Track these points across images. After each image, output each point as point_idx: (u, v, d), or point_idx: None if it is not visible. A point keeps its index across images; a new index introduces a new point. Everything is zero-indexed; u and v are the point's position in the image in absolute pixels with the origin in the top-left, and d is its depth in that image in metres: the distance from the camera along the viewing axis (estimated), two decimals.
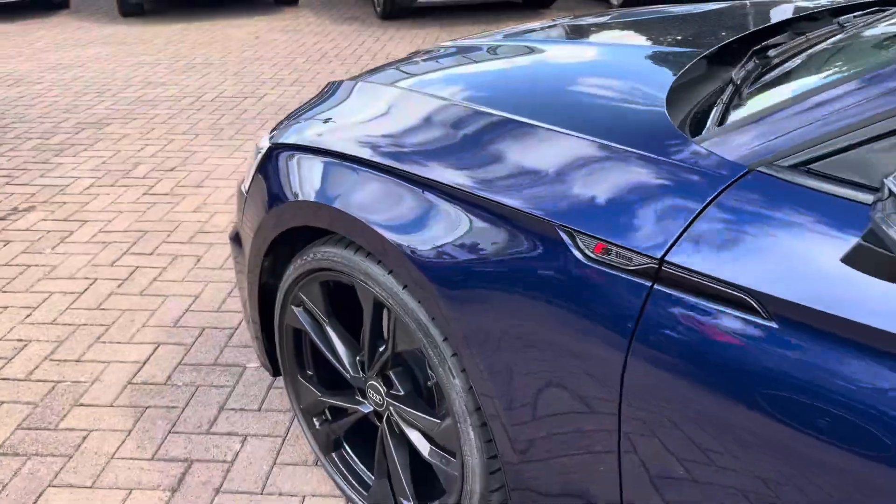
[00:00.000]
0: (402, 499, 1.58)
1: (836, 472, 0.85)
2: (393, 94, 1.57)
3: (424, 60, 1.85)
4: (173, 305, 2.60)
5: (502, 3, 8.64)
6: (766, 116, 1.00)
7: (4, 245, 3.07)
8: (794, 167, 0.93)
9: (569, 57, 1.69)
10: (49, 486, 1.83)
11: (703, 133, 1.07)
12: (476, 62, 1.75)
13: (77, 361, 2.31)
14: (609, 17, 2.19)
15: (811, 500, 0.88)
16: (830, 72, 1.25)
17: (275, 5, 8.79)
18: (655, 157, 1.05)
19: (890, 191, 0.73)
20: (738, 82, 1.26)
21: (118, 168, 3.88)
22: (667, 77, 1.37)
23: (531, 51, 1.74)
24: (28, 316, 2.56)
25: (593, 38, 1.89)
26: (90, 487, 1.82)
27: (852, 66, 1.27)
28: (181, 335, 2.43)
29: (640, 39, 1.81)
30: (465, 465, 1.37)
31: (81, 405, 2.11)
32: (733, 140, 1.00)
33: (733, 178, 0.96)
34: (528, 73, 1.61)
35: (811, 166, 0.92)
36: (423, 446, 1.48)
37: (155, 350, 2.35)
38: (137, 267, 2.87)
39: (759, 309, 0.89)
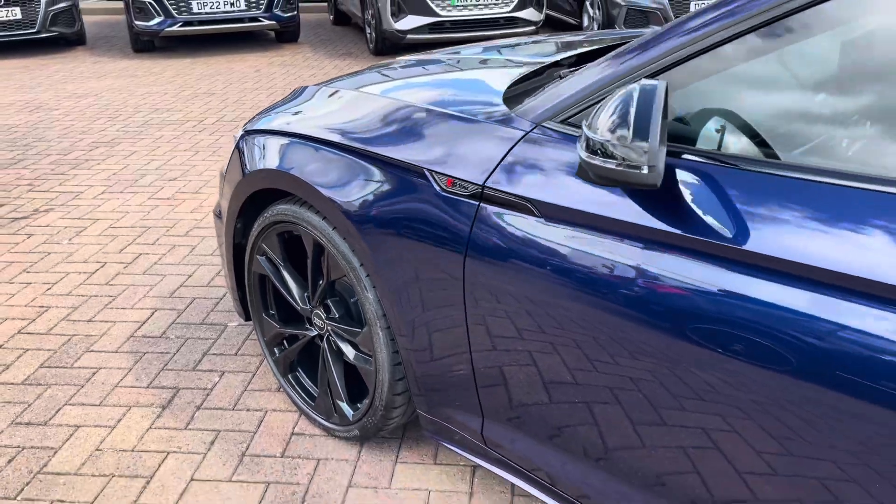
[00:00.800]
0: (338, 401, 2.05)
1: (593, 329, 1.33)
2: (336, 93, 2.08)
3: (367, 72, 2.37)
4: (170, 282, 3.09)
5: (482, 38, 9.25)
6: (550, 92, 1.50)
7: (28, 237, 3.58)
8: (561, 122, 1.43)
9: (466, 66, 2.20)
10: (65, 405, 2.30)
11: (518, 106, 1.57)
12: (401, 70, 2.26)
13: (89, 321, 2.80)
14: (533, 40, 2.70)
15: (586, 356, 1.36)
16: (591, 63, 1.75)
17: (276, 42, 9.42)
18: (486, 121, 1.55)
19: (584, 133, 1.22)
20: (558, 77, 1.76)
21: (127, 178, 4.41)
22: (517, 74, 1.89)
23: (445, 62, 2.26)
24: (48, 290, 3.05)
25: (495, 53, 2.40)
26: (98, 405, 2.29)
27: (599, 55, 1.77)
28: (175, 303, 2.92)
29: (529, 53, 2.32)
30: (377, 360, 1.84)
31: (92, 351, 2.59)
32: (532, 109, 1.50)
33: (527, 131, 1.46)
34: (432, 77, 2.12)
35: (569, 120, 1.42)
36: (351, 353, 1.96)
37: (153, 314, 2.84)
38: (141, 254, 3.37)
39: (534, 210, 1.38)
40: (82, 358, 2.55)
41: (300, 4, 12.12)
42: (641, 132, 1.12)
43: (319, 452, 2.07)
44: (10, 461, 2.06)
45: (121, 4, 11.62)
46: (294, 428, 2.17)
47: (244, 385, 2.38)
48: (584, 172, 1.25)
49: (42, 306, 2.92)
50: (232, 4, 8.46)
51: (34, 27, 8.82)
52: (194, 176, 4.42)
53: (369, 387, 1.93)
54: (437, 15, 7.82)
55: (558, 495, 1.57)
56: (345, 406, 2.03)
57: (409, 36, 7.89)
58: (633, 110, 1.13)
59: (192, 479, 1.98)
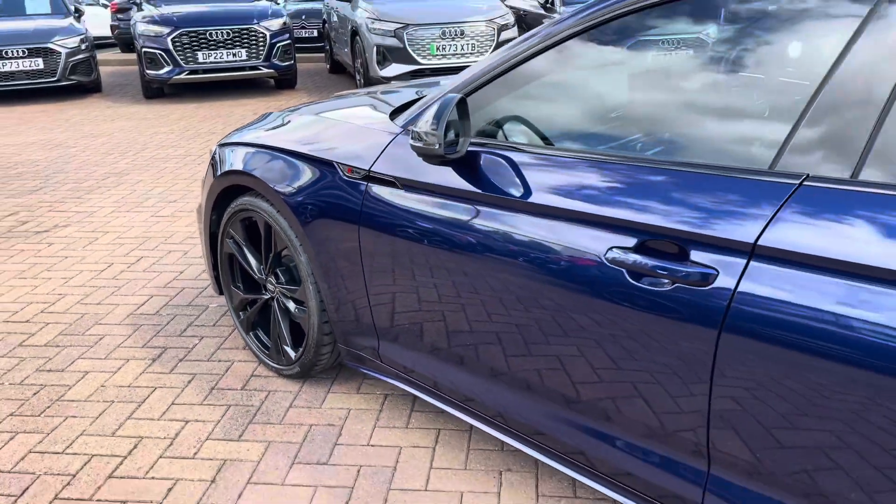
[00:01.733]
0: (284, 346, 2.70)
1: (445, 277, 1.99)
2: (287, 115, 2.78)
3: (316, 102, 3.07)
4: (165, 277, 3.77)
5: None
6: (413, 107, 2.18)
7: (49, 245, 4.27)
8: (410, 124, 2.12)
9: (385, 95, 2.88)
10: (78, 358, 2.96)
11: (397, 118, 2.25)
12: (337, 100, 2.96)
13: (98, 304, 3.46)
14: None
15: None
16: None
17: (275, 88, 10.24)
18: (375, 128, 2.24)
19: (411, 129, 1.89)
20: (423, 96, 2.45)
21: (133, 201, 5.12)
22: (405, 99, 2.58)
23: (370, 93, 2.96)
24: (65, 283, 3.73)
25: (414, 88, 3.09)
26: (103, 359, 2.95)
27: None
28: (168, 292, 3.59)
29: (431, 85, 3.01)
30: (308, 308, 2.50)
31: (99, 324, 3.26)
32: (402, 118, 2.18)
33: (397, 133, 2.14)
34: (354, 101, 2.80)
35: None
36: (293, 307, 2.62)
37: (150, 299, 3.51)
38: (142, 257, 4.05)
39: (397, 183, 2.06)
40: (92, 329, 3.22)
41: (302, 55, 13.03)
42: (437, 125, 1.80)
43: (270, 387, 2.71)
44: (35, 393, 2.71)
45: (134, 56, 12.56)
46: (253, 372, 2.82)
47: (218, 345, 3.03)
48: (417, 153, 1.93)
49: (60, 294, 3.59)
50: (234, 55, 9.30)
51: (55, 76, 9.69)
52: (192, 199, 5.13)
53: (305, 331, 2.58)
54: (418, 63, 8.62)
55: (441, 397, 2.20)
56: (289, 349, 2.69)
57: (393, 82, 8.68)
58: (433, 113, 1.82)
59: (172, 404, 2.62)
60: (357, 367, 2.49)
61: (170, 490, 2.17)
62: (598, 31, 1.79)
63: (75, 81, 9.87)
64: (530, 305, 1.76)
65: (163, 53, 9.11)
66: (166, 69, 9.21)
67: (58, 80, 9.72)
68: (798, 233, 1.33)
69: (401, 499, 2.11)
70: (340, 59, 10.81)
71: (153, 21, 9.30)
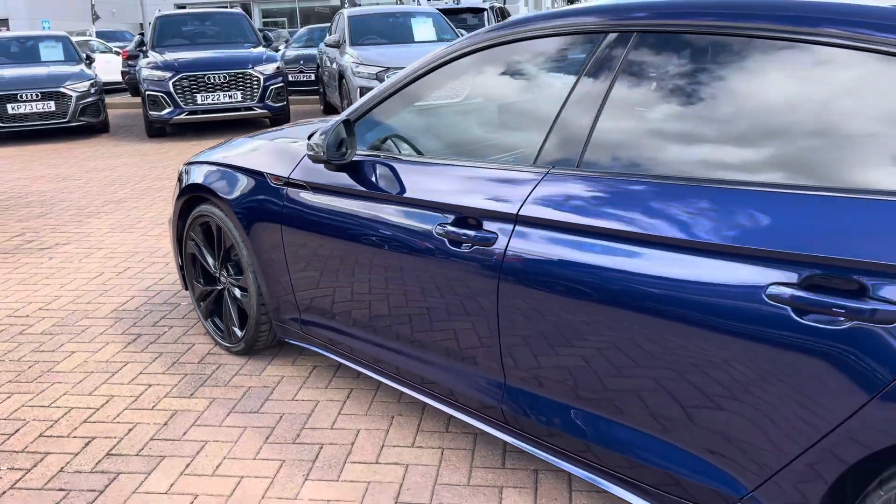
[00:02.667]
0: (233, 328, 3.29)
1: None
2: (242, 139, 3.41)
3: (273, 129, 3.70)
4: (147, 282, 4.38)
5: None
6: (321, 129, 2.81)
7: (50, 259, 4.91)
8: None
9: (318, 122, 3.51)
10: (67, 342, 3.56)
11: (309, 139, 2.87)
12: (288, 129, 3.58)
13: (87, 303, 4.08)
14: None
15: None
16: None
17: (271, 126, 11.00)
18: (296, 146, 2.86)
19: (307, 142, 2.51)
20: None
21: (127, 224, 5.77)
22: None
23: (322, 120, 3.59)
24: (62, 287, 4.35)
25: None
26: (88, 342, 3.55)
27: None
28: (148, 294, 4.20)
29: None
30: (250, 292, 3.10)
31: (87, 318, 3.87)
32: (311, 137, 2.80)
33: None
34: (293, 129, 3.43)
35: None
36: (238, 294, 3.23)
37: (131, 299, 4.12)
38: (129, 267, 4.68)
39: (307, 187, 2.67)
40: (80, 321, 3.83)
41: (300, 97, 13.84)
42: (324, 139, 2.43)
43: (222, 361, 3.30)
44: (29, 367, 3.30)
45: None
46: (209, 351, 3.41)
47: (184, 332, 3.63)
48: (312, 161, 2.56)
49: (56, 296, 4.21)
50: (230, 97, 10.06)
51: (66, 117, 10.48)
52: None
53: (248, 312, 3.18)
54: None
55: (355, 360, 2.77)
56: (237, 330, 3.28)
57: None
58: (323, 130, 2.44)
59: (140, 373, 3.21)
60: (289, 340, 3.08)
61: (130, 430, 2.75)
62: (441, 70, 2.42)
63: (85, 122, 10.64)
64: (400, 275, 2.36)
65: (164, 96, 9.88)
66: (167, 110, 9.96)
67: (68, 122, 10.50)
68: (544, 205, 1.93)
69: (311, 434, 2.68)
70: (331, 101, 11.56)
71: (156, 66, 10.09)
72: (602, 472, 1.96)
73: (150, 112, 10.06)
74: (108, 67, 18.11)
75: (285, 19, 41.53)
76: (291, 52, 15.28)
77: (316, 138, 2.51)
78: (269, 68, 10.30)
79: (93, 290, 4.28)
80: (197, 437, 2.69)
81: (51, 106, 10.39)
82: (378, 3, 35.99)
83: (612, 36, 1.97)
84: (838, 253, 1.43)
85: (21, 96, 10.25)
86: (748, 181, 1.63)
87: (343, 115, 2.63)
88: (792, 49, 1.65)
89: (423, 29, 10.71)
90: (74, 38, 20.26)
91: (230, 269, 3.27)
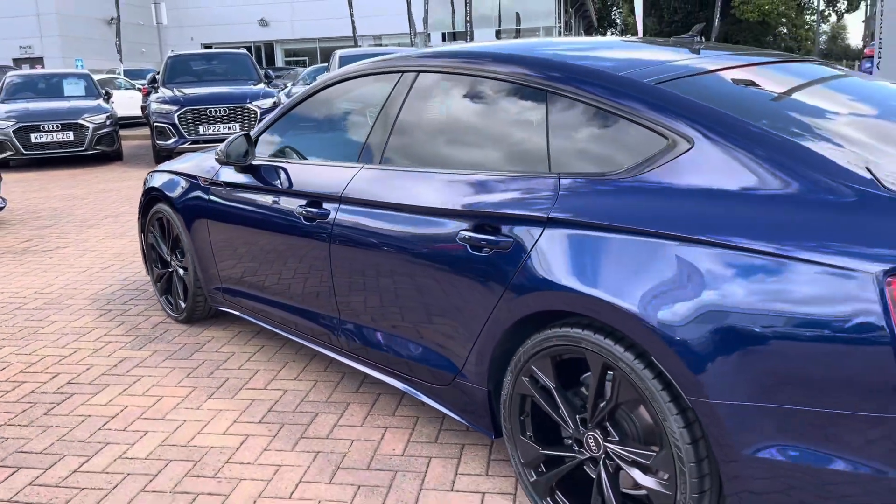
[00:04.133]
0: (179, 301, 4.18)
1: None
2: (193, 155, 4.32)
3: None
4: (125, 275, 5.30)
5: None
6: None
7: (51, 258, 5.86)
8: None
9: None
10: (52, 315, 4.46)
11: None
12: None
13: (74, 289, 4.99)
14: None
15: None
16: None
17: None
18: (217, 157, 3.76)
19: (217, 150, 3.42)
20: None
21: (120, 232, 6.73)
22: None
23: None
24: (56, 277, 5.28)
25: None
26: (74, 320, 4.45)
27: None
28: (124, 283, 5.11)
29: None
30: (189, 272, 3.99)
31: (71, 299, 4.77)
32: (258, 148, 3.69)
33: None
34: None
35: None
36: (182, 273, 4.12)
37: (110, 286, 5.03)
38: (113, 265, 5.60)
39: (222, 185, 3.57)
40: (66, 301, 4.74)
41: None
42: (227, 147, 3.33)
43: (169, 327, 4.18)
44: (20, 330, 4.20)
45: None
46: (162, 320, 4.29)
47: (146, 308, 4.52)
48: (220, 164, 3.46)
49: (50, 284, 5.14)
50: (229, 128, 11.10)
51: (83, 146, 11.58)
52: None
53: (189, 288, 4.06)
54: None
55: (269, 321, 3.62)
56: (181, 302, 4.16)
57: None
58: (227, 142, 3.35)
59: (104, 335, 4.10)
60: (216, 307, 3.96)
61: (87, 369, 3.63)
62: (318, 96, 3.31)
63: (100, 151, 11.74)
64: (278, 246, 3.23)
65: (170, 127, 10.94)
66: (173, 139, 11.01)
67: (85, 150, 11.60)
68: (356, 189, 2.79)
69: (221, 373, 3.54)
70: None
71: (164, 101, 11.18)
72: (391, 374, 2.80)
73: (158, 141, 11.12)
74: (131, 103, 19.39)
75: (307, 58, 43.23)
76: (298, 88, 16.40)
77: (222, 146, 3.42)
78: (266, 103, 11.34)
79: (80, 280, 5.21)
80: (136, 374, 3.56)
81: (70, 136, 11.51)
82: (381, 45, 37.50)
83: (406, 75, 2.86)
84: (490, 209, 2.29)
85: (43, 127, 11.38)
86: (466, 169, 2.49)
87: (245, 132, 3.52)
88: (493, 82, 2.53)
89: None
90: (103, 76, 21.68)
91: (178, 254, 4.16)
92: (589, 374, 2.09)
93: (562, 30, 45.15)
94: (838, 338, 1.61)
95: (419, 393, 2.71)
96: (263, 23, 43.21)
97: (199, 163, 3.91)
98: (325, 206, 2.93)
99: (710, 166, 1.92)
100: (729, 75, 2.32)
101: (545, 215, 2.15)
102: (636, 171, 2.05)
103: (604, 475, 2.09)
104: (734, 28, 39.29)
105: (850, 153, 1.85)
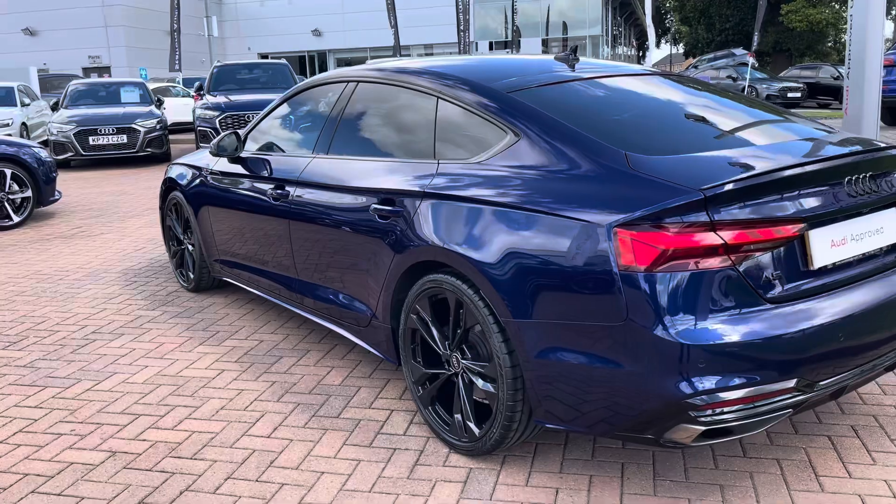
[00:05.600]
0: (189, 273, 4.99)
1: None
2: (202, 150, 5.14)
3: None
4: (155, 255, 6.16)
5: None
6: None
7: (93, 242, 6.78)
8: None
9: None
10: (88, 284, 5.34)
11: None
12: None
13: (109, 265, 5.87)
14: None
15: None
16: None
17: None
18: (226, 149, 4.55)
19: (213, 143, 4.20)
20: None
21: (155, 222, 7.63)
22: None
23: None
24: (96, 257, 6.18)
25: None
26: (102, 285, 5.32)
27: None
28: (151, 261, 5.96)
29: None
30: (196, 248, 4.79)
31: (105, 273, 5.65)
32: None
33: (240, 146, 4.42)
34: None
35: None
36: (191, 248, 4.92)
37: (139, 263, 5.89)
38: (144, 247, 6.48)
39: (219, 174, 4.36)
40: (100, 275, 5.61)
41: None
42: (218, 143, 4.12)
43: (180, 294, 4.99)
44: (61, 295, 5.08)
45: None
46: (176, 290, 5.11)
47: (165, 280, 5.35)
48: (213, 155, 4.26)
49: (90, 261, 6.03)
50: None
51: (134, 148, 12.67)
52: None
53: (196, 261, 4.86)
54: None
55: (260, 289, 4.39)
56: (190, 273, 4.98)
57: None
58: (219, 139, 4.14)
59: (127, 300, 4.94)
60: (217, 276, 4.76)
61: (110, 322, 4.46)
62: (292, 100, 4.08)
63: (150, 152, 12.82)
64: (257, 222, 3.99)
65: (212, 131, 11.92)
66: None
67: (136, 151, 12.69)
68: (309, 174, 3.54)
69: (213, 327, 4.32)
70: None
71: (208, 107, 12.19)
72: (331, 321, 3.53)
73: (201, 144, 12.11)
74: (185, 109, 20.60)
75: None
76: None
77: (214, 142, 4.21)
78: None
79: (115, 259, 6.09)
80: (147, 327, 4.38)
81: (123, 139, 12.61)
82: (431, 54, 38.33)
83: (348, 84, 3.60)
84: (391, 186, 3.00)
85: (100, 130, 12.50)
86: (381, 157, 3.21)
87: (235, 131, 4.30)
88: (404, 90, 3.24)
89: None
90: (163, 84, 23.07)
91: (188, 233, 4.98)
92: (450, 309, 2.78)
93: (609, 39, 45.43)
94: (587, 270, 2.27)
95: (349, 334, 3.43)
96: (317, 33, 44.69)
97: (203, 157, 4.72)
98: (287, 188, 3.68)
99: (528, 153, 2.60)
100: (573, 85, 2.99)
101: (423, 190, 2.85)
102: (486, 157, 2.74)
103: (461, 386, 2.78)
104: (785, 36, 38.91)
105: (622, 141, 2.50)
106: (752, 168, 2.29)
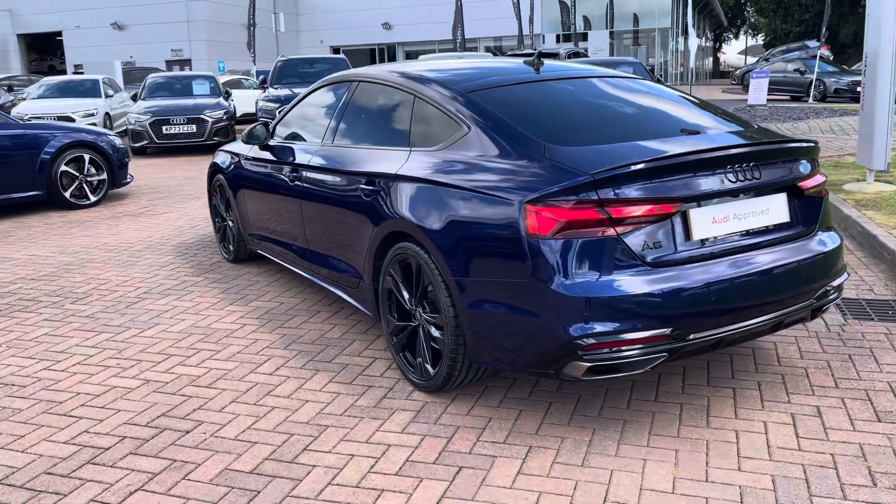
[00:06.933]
0: (229, 245, 5.74)
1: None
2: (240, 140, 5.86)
3: None
4: (204, 232, 6.96)
5: None
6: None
7: (156, 221, 7.64)
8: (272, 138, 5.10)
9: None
10: (146, 254, 6.15)
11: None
12: None
13: (166, 240, 6.69)
14: None
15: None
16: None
17: None
18: (257, 137, 5.25)
19: (245, 132, 4.89)
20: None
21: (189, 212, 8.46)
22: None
23: None
24: (156, 233, 7.01)
25: None
26: (158, 255, 6.12)
27: None
28: (203, 237, 6.75)
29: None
30: (234, 224, 5.52)
31: (162, 245, 6.46)
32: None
33: (268, 135, 5.12)
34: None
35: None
36: (231, 225, 5.66)
37: (191, 238, 6.69)
38: (197, 225, 7.29)
39: (253, 160, 5.06)
40: (158, 247, 6.42)
41: None
42: (249, 132, 4.82)
43: (222, 265, 5.74)
44: (124, 262, 5.90)
45: None
46: (219, 260, 5.87)
47: (211, 253, 6.12)
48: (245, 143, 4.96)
49: (150, 236, 6.86)
50: None
51: (203, 137, 13.67)
52: None
53: (234, 235, 5.59)
54: None
55: (278, 256, 5.09)
56: (230, 246, 5.71)
57: None
58: (250, 129, 4.84)
59: (177, 268, 5.71)
60: (251, 248, 5.48)
61: (160, 283, 5.23)
62: (311, 96, 4.73)
63: (217, 141, 13.79)
64: (281, 201, 4.66)
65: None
66: None
67: (204, 140, 13.69)
68: (317, 160, 4.18)
69: (244, 291, 5.03)
70: None
71: (269, 99, 13.06)
72: (331, 283, 4.17)
73: None
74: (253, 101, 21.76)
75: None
76: None
77: (245, 132, 4.90)
78: None
79: (172, 234, 6.92)
80: (189, 290, 5.12)
81: (193, 128, 13.62)
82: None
83: (353, 83, 4.23)
84: (375, 169, 3.62)
85: (172, 120, 13.55)
86: (371, 145, 3.82)
87: (265, 122, 4.99)
88: (391, 89, 3.85)
89: None
90: (236, 77, 24.28)
91: (229, 211, 5.71)
92: (413, 271, 3.38)
93: (678, 32, 44.86)
94: (504, 237, 2.83)
95: (344, 294, 4.07)
96: (387, 26, 45.66)
97: (243, 145, 5.44)
98: (300, 171, 4.34)
99: (474, 143, 3.17)
100: (527, 86, 3.54)
101: (396, 173, 3.45)
102: (444, 146, 3.32)
103: (422, 335, 3.37)
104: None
105: (547, 134, 3.04)
106: (642, 156, 2.80)
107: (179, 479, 2.75)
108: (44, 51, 47.38)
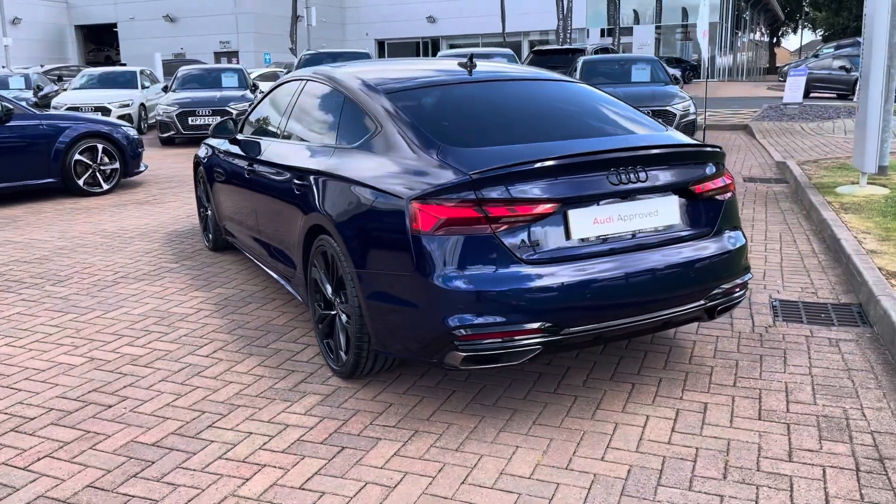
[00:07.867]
0: (209, 234, 6.00)
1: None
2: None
3: None
4: (179, 224, 7.26)
5: None
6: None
7: (160, 208, 7.98)
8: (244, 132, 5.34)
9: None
10: (136, 240, 6.47)
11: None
12: None
13: (161, 226, 7.00)
14: None
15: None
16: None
17: None
18: (222, 132, 5.48)
19: (211, 127, 5.13)
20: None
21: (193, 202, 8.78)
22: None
23: None
24: (155, 219, 7.34)
25: None
26: (148, 242, 6.43)
27: None
28: (196, 227, 7.05)
29: None
30: (210, 213, 5.78)
31: (154, 232, 6.77)
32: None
33: (234, 129, 5.36)
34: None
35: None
36: (210, 214, 5.93)
37: (185, 227, 6.99)
38: (195, 215, 7.60)
39: (232, 152, 5.30)
40: (152, 234, 6.73)
41: None
42: (215, 127, 5.06)
43: (202, 252, 6.01)
44: (118, 244, 6.22)
45: None
46: (201, 248, 6.14)
47: (196, 241, 6.40)
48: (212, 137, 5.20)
49: (147, 223, 7.19)
50: None
51: None
52: None
53: (211, 224, 5.85)
54: None
55: (240, 244, 5.33)
56: (210, 235, 5.98)
57: None
58: (217, 123, 5.07)
59: (160, 255, 6.00)
60: (225, 238, 5.73)
61: (142, 265, 5.52)
62: (272, 93, 4.94)
63: None
64: (246, 192, 4.89)
65: None
66: None
67: None
68: (270, 153, 4.39)
69: (213, 280, 5.29)
70: None
71: None
72: (274, 271, 4.38)
73: None
74: None
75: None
76: None
77: (212, 126, 5.15)
78: None
79: (168, 222, 7.23)
80: (164, 276, 5.40)
81: (217, 120, 14.02)
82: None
83: (302, 82, 4.42)
84: (304, 165, 3.81)
85: (198, 112, 13.98)
86: (305, 141, 4.01)
87: (231, 117, 5.22)
88: (329, 89, 4.02)
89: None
90: (274, 69, 24.74)
91: (209, 201, 5.98)
92: (330, 263, 3.56)
93: (728, 27, 43.99)
94: (393, 232, 2.99)
95: (283, 281, 4.28)
96: (431, 20, 45.87)
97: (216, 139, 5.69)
98: (254, 165, 4.56)
99: (382, 142, 3.33)
100: (447, 88, 3.68)
101: (319, 168, 3.63)
102: (360, 143, 3.49)
103: (339, 322, 3.55)
104: None
105: (445, 136, 3.18)
106: (527, 158, 2.92)
107: (86, 448, 2.98)
108: (100, 41, 48.88)
